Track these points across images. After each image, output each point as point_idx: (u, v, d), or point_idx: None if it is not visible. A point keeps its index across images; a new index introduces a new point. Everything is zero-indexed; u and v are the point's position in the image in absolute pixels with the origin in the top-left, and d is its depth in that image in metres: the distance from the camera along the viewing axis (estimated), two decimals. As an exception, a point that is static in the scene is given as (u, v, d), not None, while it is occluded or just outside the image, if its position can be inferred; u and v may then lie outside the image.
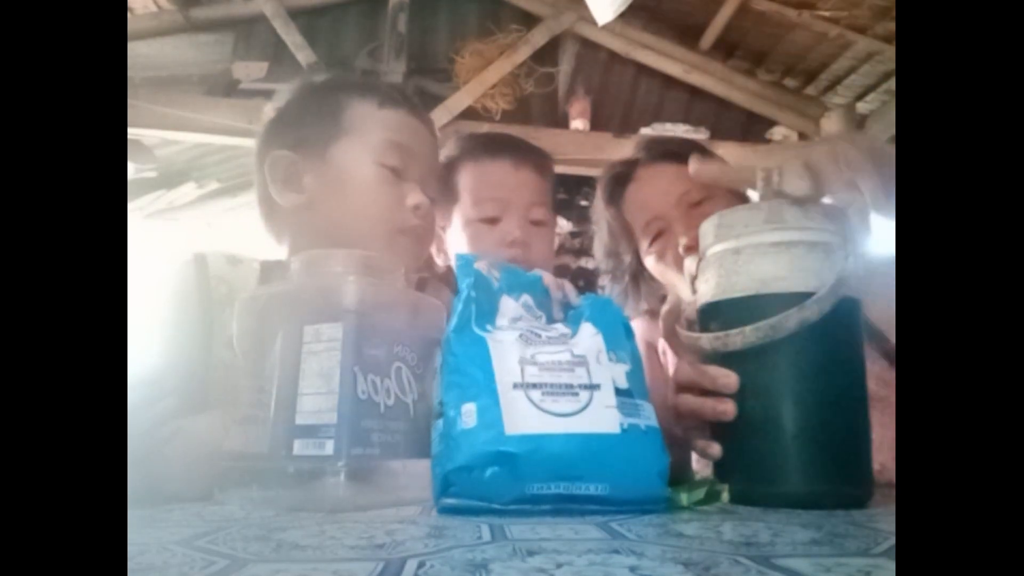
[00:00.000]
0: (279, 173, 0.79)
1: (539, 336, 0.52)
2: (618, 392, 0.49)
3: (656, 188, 0.94)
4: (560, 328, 0.54)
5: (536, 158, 0.96)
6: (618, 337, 0.54)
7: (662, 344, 1.02)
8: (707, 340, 0.52)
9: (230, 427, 0.56)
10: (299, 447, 0.46)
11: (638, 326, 1.06)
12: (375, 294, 0.52)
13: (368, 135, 0.79)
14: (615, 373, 0.50)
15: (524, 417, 0.45)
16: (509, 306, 0.55)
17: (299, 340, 0.49)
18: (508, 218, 0.91)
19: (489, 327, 0.52)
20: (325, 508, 0.45)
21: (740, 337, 0.50)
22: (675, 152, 0.97)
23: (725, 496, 0.49)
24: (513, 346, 0.50)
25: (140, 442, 0.49)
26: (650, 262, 0.95)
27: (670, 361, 0.99)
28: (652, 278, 0.97)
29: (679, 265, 0.89)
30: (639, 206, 0.95)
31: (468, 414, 0.46)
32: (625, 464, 0.46)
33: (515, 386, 0.47)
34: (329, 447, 0.46)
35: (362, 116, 0.80)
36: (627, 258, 0.98)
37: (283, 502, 0.47)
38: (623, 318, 0.57)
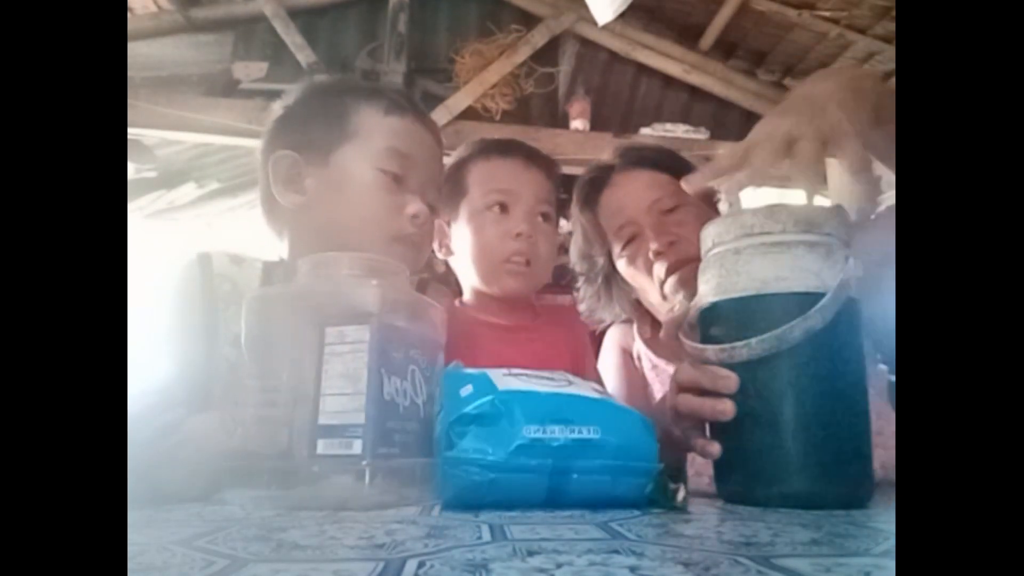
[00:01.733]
0: (281, 173, 0.80)
1: None
2: (594, 391, 0.56)
3: (630, 193, 0.95)
4: None
5: (545, 162, 0.98)
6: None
7: (637, 350, 1.02)
8: (712, 352, 0.52)
9: (236, 426, 0.57)
10: (323, 447, 0.47)
11: (614, 332, 1.07)
12: (397, 298, 0.54)
13: (372, 141, 0.79)
14: (590, 385, 0.58)
15: (515, 383, 0.51)
16: None
17: (320, 341, 0.50)
18: (516, 210, 0.91)
19: None
20: (351, 507, 0.46)
21: (746, 350, 0.50)
22: (650, 159, 0.99)
23: (681, 495, 0.48)
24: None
25: (147, 450, 0.49)
26: (621, 265, 0.96)
27: (645, 367, 1.00)
28: (624, 281, 0.98)
29: (649, 270, 0.90)
30: (613, 210, 0.96)
31: (466, 390, 0.51)
32: (611, 411, 0.51)
33: (504, 374, 0.53)
34: (356, 446, 0.47)
35: (367, 122, 0.80)
36: (600, 261, 0.99)
37: (304, 502, 0.47)
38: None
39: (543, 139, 2.44)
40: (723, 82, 3.09)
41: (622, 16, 2.22)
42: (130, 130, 2.53)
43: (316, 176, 0.79)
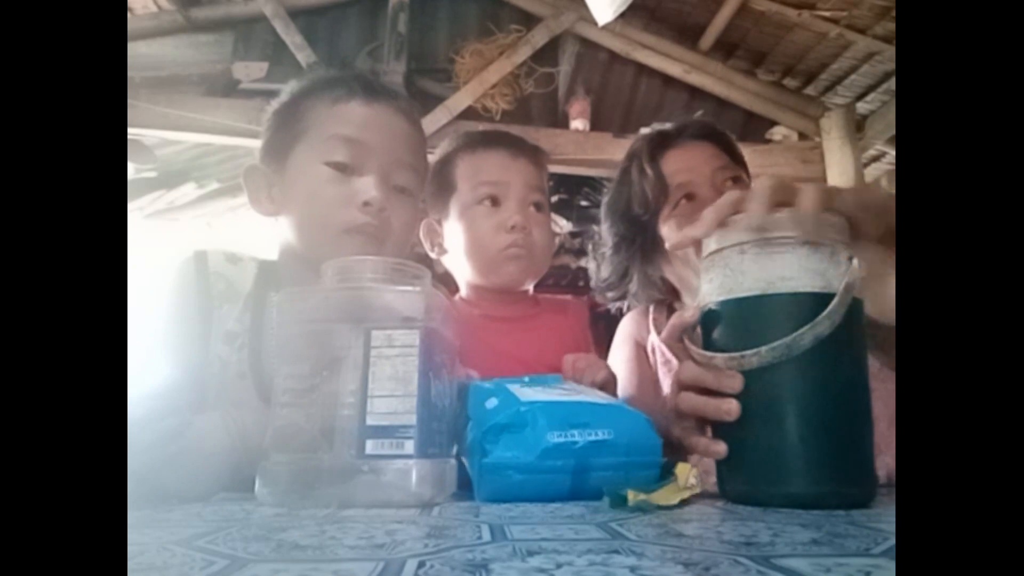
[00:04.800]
0: (250, 187, 0.80)
1: None
2: (601, 397, 0.62)
3: (696, 157, 0.96)
4: None
5: (532, 150, 0.96)
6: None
7: (651, 343, 1.01)
8: (722, 360, 0.52)
9: (236, 427, 0.57)
10: (372, 447, 0.49)
11: (627, 324, 1.06)
12: (440, 303, 0.56)
13: (318, 135, 0.77)
14: (593, 391, 0.64)
15: (534, 395, 0.57)
16: None
17: (366, 344, 0.51)
18: (508, 202, 0.90)
19: None
20: (399, 505, 0.48)
21: (756, 358, 0.50)
22: (711, 133, 1.01)
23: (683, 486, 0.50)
24: None
25: (152, 453, 0.49)
26: (668, 228, 0.94)
27: (658, 361, 0.99)
28: (660, 256, 0.96)
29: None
30: (677, 168, 0.96)
31: (491, 403, 0.56)
32: (620, 414, 0.57)
33: (522, 385, 0.59)
34: (409, 447, 0.49)
35: (315, 117, 0.78)
36: (646, 221, 0.96)
37: (353, 500, 0.48)
38: None
39: (543, 139, 2.44)
40: (723, 82, 3.09)
41: (622, 16, 2.22)
42: (130, 130, 2.53)
43: (279, 183, 0.79)
